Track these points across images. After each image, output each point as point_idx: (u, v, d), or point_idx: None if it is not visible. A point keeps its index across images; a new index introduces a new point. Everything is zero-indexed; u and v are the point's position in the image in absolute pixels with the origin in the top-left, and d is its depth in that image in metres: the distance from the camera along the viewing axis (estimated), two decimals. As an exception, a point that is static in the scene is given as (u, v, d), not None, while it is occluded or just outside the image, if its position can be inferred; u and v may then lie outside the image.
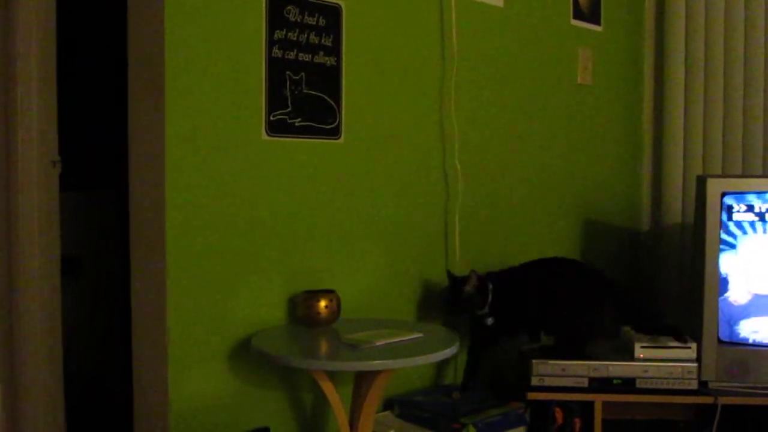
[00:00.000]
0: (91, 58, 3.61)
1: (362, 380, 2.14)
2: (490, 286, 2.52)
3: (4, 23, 2.93)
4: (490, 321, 2.54)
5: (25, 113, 2.87)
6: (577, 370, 2.54)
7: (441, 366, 2.77)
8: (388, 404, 2.56)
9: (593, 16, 3.33)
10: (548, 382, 2.54)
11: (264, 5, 2.25)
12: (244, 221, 2.23)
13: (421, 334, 2.18)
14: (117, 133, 3.63)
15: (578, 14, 3.26)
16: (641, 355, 2.55)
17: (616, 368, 2.53)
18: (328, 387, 2.07)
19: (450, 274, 2.57)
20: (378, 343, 2.08)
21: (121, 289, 3.53)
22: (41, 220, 2.92)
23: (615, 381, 2.53)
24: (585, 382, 2.53)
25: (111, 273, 3.54)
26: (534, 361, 2.54)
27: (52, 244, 2.96)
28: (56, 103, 2.97)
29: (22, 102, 2.87)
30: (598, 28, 3.34)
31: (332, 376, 2.08)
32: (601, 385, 2.53)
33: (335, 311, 2.26)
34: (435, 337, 2.23)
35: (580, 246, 3.29)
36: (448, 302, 2.58)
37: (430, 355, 2.05)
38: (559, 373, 2.54)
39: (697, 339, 2.57)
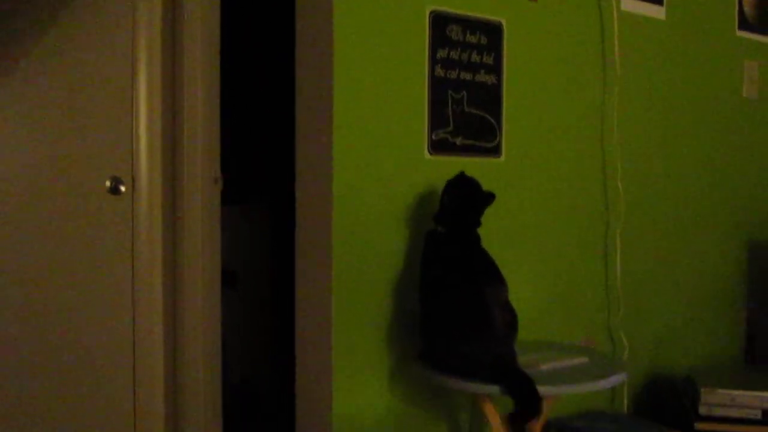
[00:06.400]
0: (251, 77, 3.75)
1: (525, 404, 2.09)
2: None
3: (170, 47, 3.08)
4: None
5: (190, 134, 3.01)
6: (749, 400, 2.40)
7: (599, 391, 2.69)
8: (543, 428, 2.50)
9: (761, 27, 3.16)
10: (717, 412, 2.41)
11: (427, 25, 2.26)
12: (405, 239, 2.24)
13: (586, 359, 2.12)
14: (272, 149, 3.75)
15: (744, 25, 3.10)
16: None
17: (794, 401, 2.38)
18: (489, 410, 2.04)
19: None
20: (543, 367, 2.04)
21: (273, 301, 3.65)
22: (204, 235, 3.05)
23: (792, 414, 2.38)
24: (758, 414, 2.39)
25: (264, 285, 3.65)
26: (702, 389, 2.42)
27: (214, 258, 3.08)
28: (219, 123, 3.10)
29: (188, 123, 3.01)
30: (765, 39, 3.17)
31: (493, 398, 2.05)
32: (776, 418, 2.39)
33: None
34: (600, 361, 2.16)
35: (747, 267, 3.12)
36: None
37: (598, 382, 1.99)
38: (728, 403, 2.41)
39: None
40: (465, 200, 2.08)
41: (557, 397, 2.06)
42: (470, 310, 1.95)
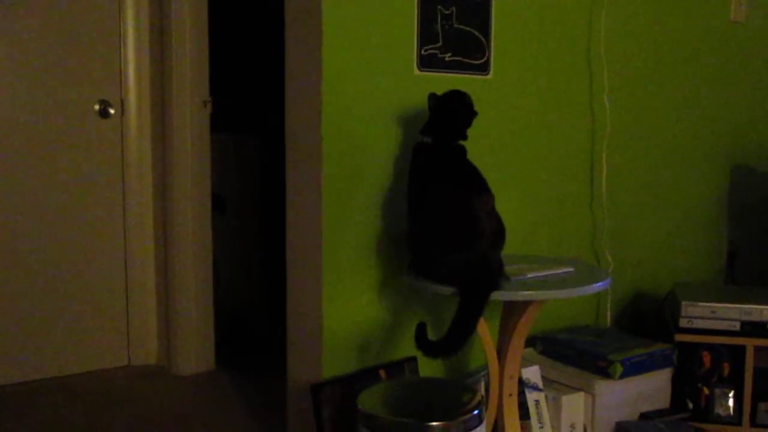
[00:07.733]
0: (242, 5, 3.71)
1: (511, 312, 2.14)
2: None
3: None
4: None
5: (179, 56, 3.01)
6: (729, 313, 2.47)
7: (583, 305, 2.75)
8: (530, 341, 2.57)
9: (749, -51, 3.16)
10: (697, 324, 2.48)
11: (417, -61, 2.24)
12: (394, 153, 2.27)
13: (572, 268, 2.17)
14: (262, 81, 3.74)
15: (733, -53, 3.10)
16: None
17: (772, 312, 2.45)
18: (476, 317, 2.09)
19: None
20: (529, 275, 2.08)
21: (262, 226, 3.68)
22: (193, 155, 3.07)
23: (769, 326, 2.45)
24: (737, 326, 2.46)
25: (253, 212, 3.68)
26: (684, 302, 2.48)
27: (204, 177, 3.11)
28: (207, 48, 3.09)
29: (176, 46, 3.00)
30: (754, -38, 3.18)
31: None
32: (754, 329, 2.45)
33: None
34: (585, 271, 2.20)
35: (728, 191, 3.17)
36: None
37: (582, 288, 2.02)
38: (709, 316, 2.48)
39: None
40: (451, 111, 2.09)
41: (543, 304, 2.11)
42: (458, 218, 1.99)
